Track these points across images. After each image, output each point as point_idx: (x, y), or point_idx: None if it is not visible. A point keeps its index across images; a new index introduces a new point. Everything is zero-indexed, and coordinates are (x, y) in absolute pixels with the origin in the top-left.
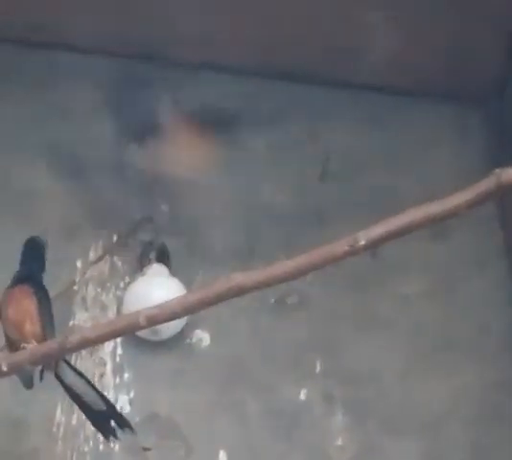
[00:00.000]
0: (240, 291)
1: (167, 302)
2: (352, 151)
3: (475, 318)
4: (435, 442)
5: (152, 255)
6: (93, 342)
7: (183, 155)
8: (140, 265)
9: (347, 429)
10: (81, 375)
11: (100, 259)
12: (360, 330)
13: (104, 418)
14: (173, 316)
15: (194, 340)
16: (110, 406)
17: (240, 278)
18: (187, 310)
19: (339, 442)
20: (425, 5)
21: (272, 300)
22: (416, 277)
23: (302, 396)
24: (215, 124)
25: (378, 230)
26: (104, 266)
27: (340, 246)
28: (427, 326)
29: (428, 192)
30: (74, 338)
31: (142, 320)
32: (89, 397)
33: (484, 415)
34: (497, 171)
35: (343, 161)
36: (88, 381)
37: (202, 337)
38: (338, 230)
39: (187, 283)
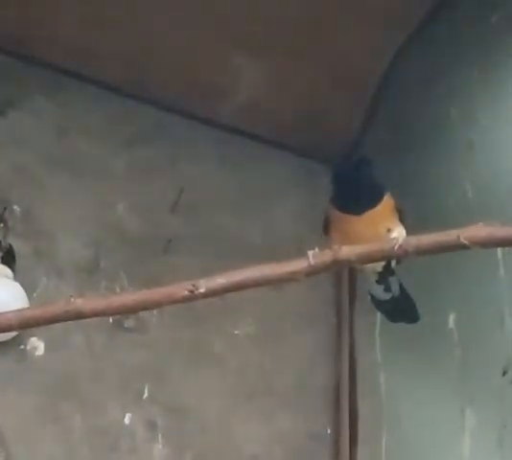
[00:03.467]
0: (77, 316)
1: (3, 313)
2: (205, 188)
3: (295, 369)
4: None
5: None
6: None
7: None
8: None
9: (165, 459)
10: None
11: None
12: (191, 362)
13: None
14: (7, 328)
15: (28, 347)
16: None
17: (79, 303)
18: (22, 324)
19: None
20: (289, 54)
21: (110, 320)
22: (250, 320)
23: (127, 419)
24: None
25: (219, 280)
26: None
27: (180, 290)
28: (252, 369)
29: (270, 240)
30: None
31: None
32: None
33: None
34: (335, 247)
35: (195, 195)
36: None
37: (37, 346)
38: (181, 261)
39: (29, 288)
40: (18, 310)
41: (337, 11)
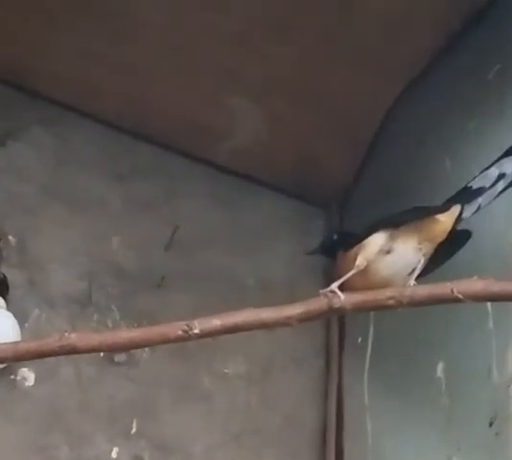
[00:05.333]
0: (71, 351)
1: None
2: (199, 226)
3: (283, 409)
4: None
5: None
6: None
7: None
8: None
9: None
10: None
11: None
12: (180, 399)
13: None
14: (2, 360)
15: (19, 378)
16: None
17: (73, 339)
18: (17, 357)
19: None
20: (287, 98)
21: (101, 354)
22: (240, 359)
23: (114, 453)
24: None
25: (214, 322)
26: None
27: (174, 330)
28: (240, 407)
29: (262, 280)
30: None
31: None
32: None
33: None
34: (329, 294)
35: (189, 233)
36: None
37: (27, 377)
38: (174, 298)
39: (21, 319)
40: (13, 343)
41: (337, 59)
